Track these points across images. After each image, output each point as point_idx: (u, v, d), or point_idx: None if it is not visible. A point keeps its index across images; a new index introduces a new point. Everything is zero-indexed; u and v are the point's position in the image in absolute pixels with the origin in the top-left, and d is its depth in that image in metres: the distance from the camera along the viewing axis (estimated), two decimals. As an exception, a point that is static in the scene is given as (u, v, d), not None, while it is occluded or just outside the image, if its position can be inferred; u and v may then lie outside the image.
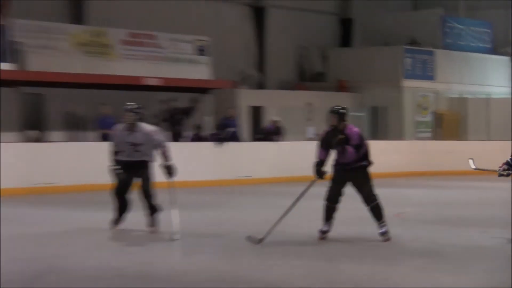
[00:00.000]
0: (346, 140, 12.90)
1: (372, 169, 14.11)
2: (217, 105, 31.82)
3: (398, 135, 35.76)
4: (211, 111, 31.72)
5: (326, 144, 13.17)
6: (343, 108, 13.28)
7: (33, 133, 27.56)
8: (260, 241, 12.60)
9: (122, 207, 14.63)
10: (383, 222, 13.20)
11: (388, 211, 16.98)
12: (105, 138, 27.67)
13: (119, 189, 14.55)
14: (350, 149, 12.97)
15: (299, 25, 38.99)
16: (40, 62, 27.72)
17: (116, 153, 14.61)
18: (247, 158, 28.16)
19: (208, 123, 30.99)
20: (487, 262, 11.65)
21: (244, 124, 33.48)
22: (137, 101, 28.10)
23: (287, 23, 38.41)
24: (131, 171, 14.49)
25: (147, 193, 14.50)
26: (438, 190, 24.85)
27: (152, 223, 14.55)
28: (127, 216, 14.74)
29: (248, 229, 12.91)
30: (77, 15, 32.04)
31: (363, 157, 13.33)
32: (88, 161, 24.84)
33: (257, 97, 34.98)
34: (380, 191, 22.53)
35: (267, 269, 11.20)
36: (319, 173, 13.13)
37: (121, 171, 14.45)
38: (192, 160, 27.54)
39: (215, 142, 28.53)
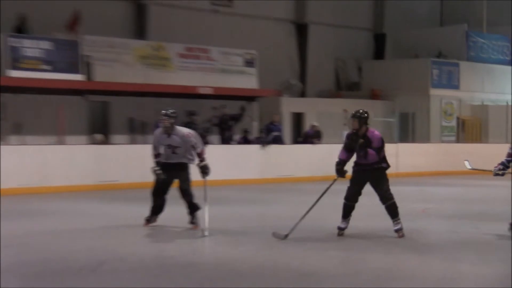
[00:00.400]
0: (368, 143, 12.68)
1: (401, 169, 14.32)
2: (263, 112, 31.98)
3: (425, 139, 35.81)
4: (258, 117, 31.85)
5: (348, 146, 12.94)
6: (364, 113, 12.96)
7: (99, 136, 27.67)
8: (285, 237, 12.47)
9: (158, 206, 14.54)
10: (398, 219, 12.98)
11: (415, 206, 17.29)
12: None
13: (157, 189, 14.46)
14: (371, 152, 12.70)
15: (337, 40, 39.05)
16: (106, 74, 27.97)
17: (156, 155, 14.46)
18: (289, 159, 28.30)
19: (255, 128, 31.20)
20: (506, 253, 11.51)
21: (287, 129, 33.73)
22: (192, 108, 28.76)
23: (326, 38, 38.44)
24: (170, 173, 14.29)
25: (186, 193, 14.32)
26: (461, 188, 24.86)
27: (193, 221, 14.31)
28: (161, 215, 14.56)
29: (288, 223, 12.73)
30: (139, 31, 32.47)
31: (382, 159, 12.96)
32: (147, 161, 25.06)
33: (299, 104, 35.10)
34: (408, 189, 22.78)
35: (304, 258, 11.22)
36: (340, 172, 12.96)
37: (160, 171, 14.24)
38: (240, 161, 27.94)
39: (260, 145, 28.79)
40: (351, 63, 39.62)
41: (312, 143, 29.29)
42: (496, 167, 13.61)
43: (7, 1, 27.74)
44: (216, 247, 12.65)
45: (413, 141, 34.91)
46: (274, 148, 28.65)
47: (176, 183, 14.48)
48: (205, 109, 29.36)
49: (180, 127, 14.56)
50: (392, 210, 12.96)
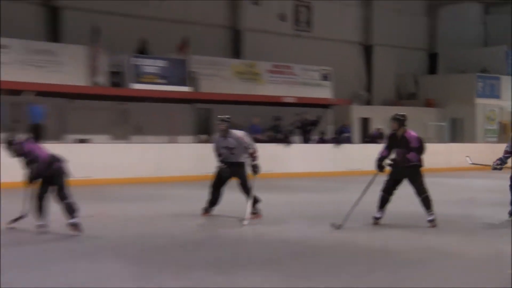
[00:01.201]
0: (406, 143, 12.11)
1: (453, 164, 14.08)
2: (336, 117, 31.95)
3: (472, 139, 35.51)
4: (332, 121, 31.88)
5: (389, 145, 12.37)
6: (402, 116, 12.41)
7: (203, 137, 28.02)
8: (339, 226, 11.80)
9: (215, 199, 13.80)
10: (431, 211, 12.28)
11: (464, 195, 17.08)
12: (256, 141, 28.52)
13: (215, 183, 13.75)
14: (410, 151, 12.04)
15: (397, 58, 38.74)
16: (209, 86, 28.28)
17: (218, 155, 13.71)
18: (357, 155, 28.20)
19: (330, 130, 31.25)
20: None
21: (356, 131, 33.84)
22: (278, 114, 29.03)
23: (388, 56, 38.12)
24: (229, 172, 13.60)
25: (245, 189, 13.60)
26: (502, 181, 24.58)
27: (255, 212, 13.48)
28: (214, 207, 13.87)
29: (356, 208, 12.24)
30: (236, 52, 32.75)
31: (417, 157, 12.20)
32: None
33: (366, 111, 34.92)
34: (457, 181, 22.48)
35: (386, 238, 11.10)
36: (380, 168, 12.38)
37: (225, 167, 13.54)
38: (317, 157, 28.14)
39: (334, 144, 28.97)
40: (409, 77, 39.32)
41: (376, 142, 29.28)
42: (494, 162, 13.43)
43: (132, 28, 28.45)
44: (297, 227, 12.53)
45: (461, 141, 34.60)
46: (345, 146, 28.80)
47: (234, 179, 13.71)
48: (288, 115, 29.65)
49: (235, 130, 13.80)
50: (426, 203, 12.33)
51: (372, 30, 37.73)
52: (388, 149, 12.35)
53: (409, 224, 12.61)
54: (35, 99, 22.51)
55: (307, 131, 29.82)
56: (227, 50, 32.56)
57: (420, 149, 12.22)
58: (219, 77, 29.07)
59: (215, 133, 29.27)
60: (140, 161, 23.57)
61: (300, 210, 15.60)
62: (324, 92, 31.90)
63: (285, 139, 27.98)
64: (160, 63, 27.22)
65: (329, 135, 30.81)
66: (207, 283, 8.00)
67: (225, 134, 13.54)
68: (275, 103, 29.93)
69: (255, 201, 13.51)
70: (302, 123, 29.83)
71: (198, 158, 24.44)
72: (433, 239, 11.06)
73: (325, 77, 32.19)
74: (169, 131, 26.30)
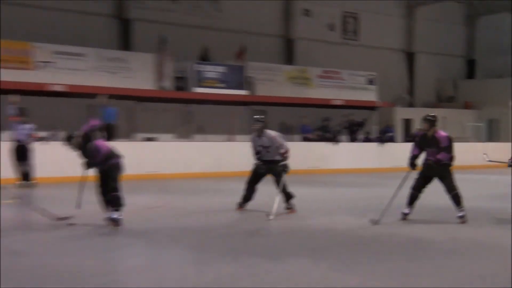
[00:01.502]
0: (437, 143, 11.63)
1: (489, 162, 13.54)
2: (381, 118, 31.89)
3: (507, 139, 35.15)
4: (376, 122, 31.84)
5: (420, 144, 11.82)
6: (433, 116, 11.84)
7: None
8: (376, 222, 11.31)
9: (249, 195, 13.28)
10: (461, 207, 11.69)
11: (500, 191, 16.90)
12: (307, 140, 28.73)
13: (251, 180, 13.30)
14: (440, 150, 11.55)
15: (437, 64, 38.56)
16: (264, 90, 28.54)
17: (255, 153, 13.23)
18: (400, 153, 27.98)
19: (375, 130, 31.20)
20: None
21: (399, 131, 33.77)
22: (327, 115, 29.10)
23: (429, 62, 37.88)
24: (266, 168, 13.06)
25: (279, 185, 12.90)
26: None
27: (289, 207, 13.00)
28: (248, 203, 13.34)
29: (400, 201, 11.78)
30: (289, 58, 32.86)
31: (448, 156, 11.67)
32: (293, 156, 25.50)
33: (408, 113, 34.69)
34: (496, 177, 22.05)
35: (424, 230, 10.92)
36: (412, 166, 11.87)
37: (261, 164, 13.06)
38: (362, 155, 28.19)
39: (378, 143, 28.99)
40: (448, 81, 39.03)
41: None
42: (509, 159, 12.70)
43: (195, 38, 28.71)
44: (344, 219, 12.39)
45: (497, 140, 34.27)
46: (389, 145, 28.80)
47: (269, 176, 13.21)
48: (336, 116, 29.73)
49: (269, 130, 13.22)
50: (456, 200, 11.76)
51: (414, 38, 37.54)
52: (419, 148, 11.88)
53: (442, 217, 12.27)
54: (108, 101, 22.69)
55: (353, 131, 29.86)
56: (281, 57, 32.61)
57: (449, 148, 11.74)
58: (273, 82, 29.21)
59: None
60: (201, 158, 23.79)
61: (347, 203, 15.54)
62: (369, 95, 31.88)
63: (333, 138, 27.99)
64: (220, 69, 27.44)
65: (374, 134, 30.70)
66: (260, 269, 7.97)
67: (260, 133, 13.08)
68: (324, 105, 29.90)
69: (289, 197, 13.06)
70: (349, 123, 29.86)
71: (251, 154, 24.70)
72: (472, 231, 10.89)
73: (370, 82, 32.16)
74: (227, 130, 26.47)
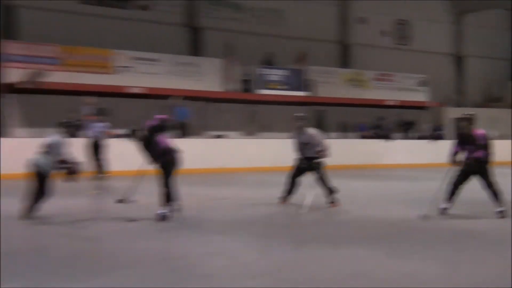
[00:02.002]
0: (474, 140, 11.20)
1: None
2: (432, 118, 31.50)
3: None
4: (427, 121, 31.38)
5: (460, 142, 11.35)
6: (471, 115, 11.50)
7: None
8: (426, 217, 10.87)
9: (291, 189, 12.73)
10: (500, 203, 11.21)
11: None
12: (363, 137, 28.50)
13: (294, 175, 12.71)
14: (478, 148, 11.10)
15: (485, 66, 37.82)
16: (323, 91, 28.32)
17: (297, 150, 12.67)
18: (449, 149, 27.77)
19: (425, 129, 30.71)
20: None
21: (448, 129, 33.23)
22: (381, 115, 28.78)
23: (477, 65, 37.14)
24: (305, 164, 12.52)
25: (322, 181, 12.46)
26: None
27: (332, 201, 12.43)
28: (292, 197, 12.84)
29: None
30: (345, 62, 32.65)
31: (485, 153, 11.21)
32: (348, 151, 25.45)
33: (457, 112, 34.37)
34: None
35: (473, 222, 10.76)
36: (453, 162, 11.33)
37: (303, 160, 12.48)
38: (414, 151, 27.73)
39: (428, 140, 28.60)
40: (495, 82, 38.42)
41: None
42: None
43: (259, 44, 28.60)
44: (399, 209, 12.28)
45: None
46: (438, 142, 28.31)
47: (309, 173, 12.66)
48: (390, 115, 29.40)
49: (309, 128, 12.77)
50: (495, 195, 11.30)
51: (463, 43, 36.94)
52: (459, 145, 11.39)
53: (483, 210, 11.78)
54: (181, 102, 22.96)
55: (405, 129, 29.57)
56: (338, 61, 32.38)
57: (487, 146, 11.31)
58: (331, 84, 29.04)
59: (325, 129, 29.40)
60: (264, 153, 23.65)
61: (400, 195, 15.35)
62: (421, 96, 31.50)
63: (387, 136, 27.79)
64: (283, 72, 27.48)
65: (425, 132, 30.27)
66: (322, 255, 7.99)
67: (301, 130, 12.59)
68: (379, 105, 29.59)
69: (331, 191, 12.51)
70: (401, 122, 29.61)
71: None
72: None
73: (422, 83, 31.77)
74: (289, 129, 26.16)
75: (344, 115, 29.56)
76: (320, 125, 28.70)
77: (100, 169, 18.54)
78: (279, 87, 27.09)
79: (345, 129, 29.57)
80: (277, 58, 28.16)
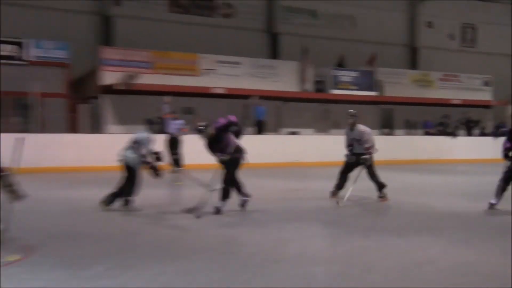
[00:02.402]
0: None
1: None
2: (495, 115, 30.89)
3: None
4: (491, 118, 30.83)
5: (509, 138, 10.72)
6: None
7: (386, 130, 28.11)
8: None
9: (341, 184, 12.20)
10: None
11: None
12: (428, 134, 28.16)
13: (343, 170, 12.20)
14: None
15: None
16: (391, 91, 28.13)
17: (348, 145, 12.10)
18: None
19: (490, 126, 30.10)
20: None
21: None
22: (446, 113, 28.34)
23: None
24: (355, 159, 11.95)
25: (372, 176, 12.00)
26: None
27: (382, 195, 11.95)
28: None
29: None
30: (412, 64, 32.35)
31: None
32: (414, 147, 25.34)
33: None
34: None
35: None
36: (506, 157, 10.70)
37: (352, 157, 11.96)
38: (478, 147, 27.09)
39: (493, 137, 28.04)
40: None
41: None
42: None
43: (332, 48, 28.66)
44: (460, 202, 12.02)
45: None
46: (502, 139, 27.67)
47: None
48: (455, 114, 28.94)
49: (361, 125, 12.16)
50: None
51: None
52: (511, 141, 10.71)
53: None
54: (259, 101, 23.13)
55: (469, 127, 29.06)
56: (406, 63, 32.19)
57: None
58: (399, 84, 28.81)
59: (396, 128, 29.13)
60: (336, 149, 23.30)
61: (463, 188, 15.07)
62: (485, 95, 30.96)
63: (451, 133, 27.39)
64: (353, 74, 27.37)
65: (489, 130, 29.68)
66: (388, 244, 7.98)
67: (353, 127, 12.02)
68: (444, 104, 29.10)
69: (381, 186, 12.04)
70: (466, 120, 29.12)
71: (382, 146, 24.34)
72: None
73: (486, 83, 31.24)
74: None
75: (411, 114, 29.25)
76: (388, 123, 28.71)
77: (177, 163, 18.67)
78: (350, 87, 26.99)
79: (411, 127, 29.30)
80: (348, 60, 28.06)
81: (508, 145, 10.74)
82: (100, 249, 7.53)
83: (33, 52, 22.09)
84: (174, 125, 18.83)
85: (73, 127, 22.65)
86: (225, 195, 10.13)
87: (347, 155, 12.22)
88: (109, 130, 22.49)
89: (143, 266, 6.60)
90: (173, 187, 14.56)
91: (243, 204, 10.47)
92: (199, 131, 10.33)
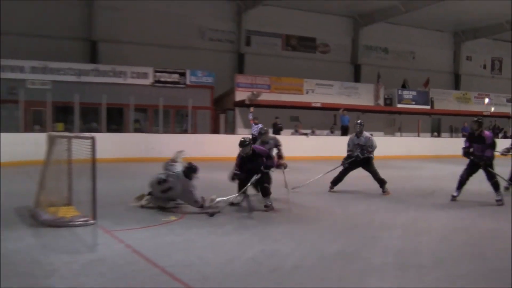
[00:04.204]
0: None
1: None
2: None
3: None
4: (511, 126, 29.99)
5: (468, 139, 9.15)
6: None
7: (434, 134, 27.29)
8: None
9: (339, 180, 10.19)
10: (499, 192, 8.91)
11: None
12: (464, 136, 27.51)
13: (345, 169, 10.15)
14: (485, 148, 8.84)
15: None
16: (440, 105, 27.54)
17: (348, 151, 10.03)
18: None
19: (510, 131, 28.67)
20: None
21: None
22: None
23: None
24: (359, 164, 10.07)
25: (375, 176, 10.03)
26: None
27: (385, 190, 9.94)
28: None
29: None
30: (456, 86, 31.43)
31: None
32: (455, 146, 24.49)
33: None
34: None
35: None
36: (465, 155, 9.09)
37: (353, 158, 9.91)
38: (501, 146, 26.09)
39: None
40: None
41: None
42: (503, 149, 10.18)
43: (397, 74, 28.10)
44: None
45: None
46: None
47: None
48: (485, 122, 27.94)
49: (365, 132, 10.18)
50: (494, 187, 8.95)
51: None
52: (469, 142, 9.13)
53: None
54: (345, 112, 22.95)
55: (496, 132, 27.90)
56: (451, 85, 31.40)
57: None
58: (446, 100, 28.17)
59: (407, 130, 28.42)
60: (400, 146, 22.98)
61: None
62: (507, 109, 29.50)
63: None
64: (413, 93, 26.97)
65: (509, 134, 28.22)
66: (433, 215, 7.69)
67: (359, 134, 10.04)
68: (477, 115, 27.76)
69: (383, 182, 10.05)
70: (493, 127, 28.06)
71: (431, 145, 24.05)
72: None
73: (508, 100, 30.01)
74: (415, 130, 25.72)
75: (454, 121, 28.52)
76: (437, 128, 28.32)
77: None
78: (410, 102, 26.65)
79: (453, 131, 28.92)
80: (409, 83, 27.80)
81: (467, 145, 9.15)
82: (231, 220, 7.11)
83: (190, 79, 22.16)
84: (256, 128, 17.77)
85: (215, 130, 22.76)
86: (266, 193, 8.16)
87: (343, 161, 10.07)
88: (239, 132, 22.18)
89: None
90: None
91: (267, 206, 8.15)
92: (241, 145, 8.20)
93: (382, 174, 10.24)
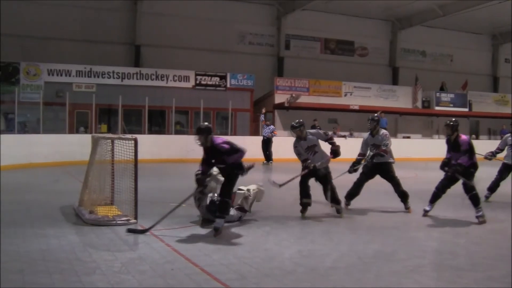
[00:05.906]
0: None
1: None
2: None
3: None
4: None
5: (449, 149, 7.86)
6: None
7: (474, 136, 26.50)
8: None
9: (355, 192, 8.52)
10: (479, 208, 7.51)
11: None
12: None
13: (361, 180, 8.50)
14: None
15: None
16: (478, 107, 27.04)
17: (360, 154, 8.44)
18: None
19: None
20: None
21: None
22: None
23: None
24: (377, 171, 8.48)
25: (396, 189, 8.46)
26: None
27: (406, 206, 8.39)
28: None
29: None
30: (494, 88, 30.69)
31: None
32: (491, 148, 23.96)
33: None
34: None
35: None
36: (442, 167, 7.77)
37: (369, 159, 8.42)
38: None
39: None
40: None
41: None
42: (487, 153, 9.19)
43: (435, 77, 27.56)
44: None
45: None
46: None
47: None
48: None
49: (382, 129, 8.53)
50: (473, 201, 7.53)
51: None
52: (450, 153, 7.84)
53: None
54: (383, 115, 22.77)
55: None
56: (489, 88, 30.62)
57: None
58: (484, 103, 27.62)
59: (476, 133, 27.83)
60: (438, 148, 22.60)
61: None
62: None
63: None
64: (451, 95, 26.57)
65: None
66: (464, 215, 7.70)
67: (374, 133, 8.47)
68: None
69: (404, 196, 8.55)
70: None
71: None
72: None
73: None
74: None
75: (492, 124, 27.89)
76: (475, 130, 27.71)
77: (268, 158, 17.75)
78: (448, 105, 26.23)
79: (492, 133, 28.17)
80: (447, 86, 27.27)
81: (448, 156, 7.86)
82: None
83: (230, 82, 22.23)
84: (268, 129, 18.10)
85: (255, 131, 22.72)
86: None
87: (350, 167, 8.46)
88: (279, 134, 22.40)
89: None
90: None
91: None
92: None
93: (423, 176, 10.19)
